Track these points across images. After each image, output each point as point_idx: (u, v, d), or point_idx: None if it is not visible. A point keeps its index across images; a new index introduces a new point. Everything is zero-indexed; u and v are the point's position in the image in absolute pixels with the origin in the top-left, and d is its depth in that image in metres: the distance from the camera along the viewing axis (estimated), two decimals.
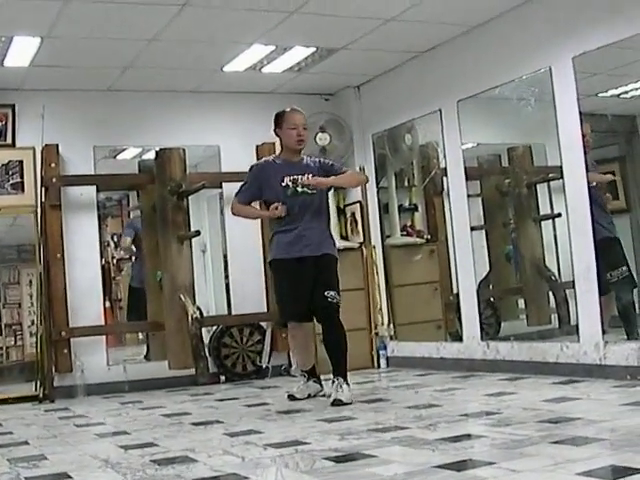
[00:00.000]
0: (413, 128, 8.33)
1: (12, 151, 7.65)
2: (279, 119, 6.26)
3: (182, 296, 7.59)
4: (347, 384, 5.94)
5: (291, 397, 6.37)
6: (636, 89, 7.13)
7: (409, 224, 8.69)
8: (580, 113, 6.16)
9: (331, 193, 6.92)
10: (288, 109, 6.29)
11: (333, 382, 5.96)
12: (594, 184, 6.43)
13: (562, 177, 6.37)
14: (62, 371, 7.54)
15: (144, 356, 8.63)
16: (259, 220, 8.16)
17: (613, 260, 6.66)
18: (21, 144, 7.68)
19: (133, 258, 9.31)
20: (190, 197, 7.94)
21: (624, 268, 6.70)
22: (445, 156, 7.63)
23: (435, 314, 8.23)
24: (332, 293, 6.07)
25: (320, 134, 8.38)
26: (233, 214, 6.49)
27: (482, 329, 7.34)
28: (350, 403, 5.77)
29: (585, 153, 6.20)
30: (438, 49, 7.55)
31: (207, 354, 7.73)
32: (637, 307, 6.84)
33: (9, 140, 7.67)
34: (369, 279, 8.51)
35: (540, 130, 7.09)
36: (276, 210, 6.12)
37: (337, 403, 5.78)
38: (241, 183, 6.35)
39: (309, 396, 6.36)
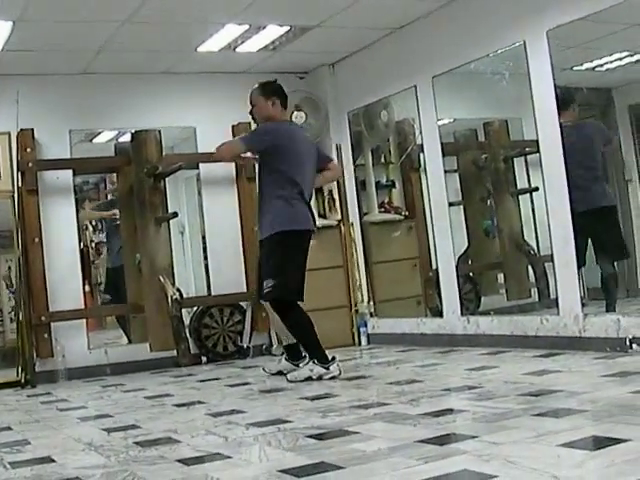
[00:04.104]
0: (389, 105, 8.32)
1: None
2: (279, 94, 6.24)
3: (161, 278, 7.58)
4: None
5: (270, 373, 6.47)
6: (611, 62, 7.16)
7: (387, 201, 8.70)
8: (555, 87, 6.16)
9: None
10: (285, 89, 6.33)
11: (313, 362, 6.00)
12: None
13: (538, 151, 6.38)
14: (43, 356, 7.51)
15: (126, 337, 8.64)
16: (237, 200, 8.18)
17: None
18: None
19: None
20: (167, 179, 7.91)
21: None
22: (421, 132, 7.61)
23: (415, 290, 8.26)
24: None
25: (296, 112, 8.35)
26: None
27: (462, 304, 7.35)
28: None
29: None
30: (412, 25, 7.52)
31: (188, 335, 7.73)
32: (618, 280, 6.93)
33: None
34: (348, 256, 8.50)
35: (516, 104, 7.10)
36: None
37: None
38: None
39: (280, 373, 6.37)
